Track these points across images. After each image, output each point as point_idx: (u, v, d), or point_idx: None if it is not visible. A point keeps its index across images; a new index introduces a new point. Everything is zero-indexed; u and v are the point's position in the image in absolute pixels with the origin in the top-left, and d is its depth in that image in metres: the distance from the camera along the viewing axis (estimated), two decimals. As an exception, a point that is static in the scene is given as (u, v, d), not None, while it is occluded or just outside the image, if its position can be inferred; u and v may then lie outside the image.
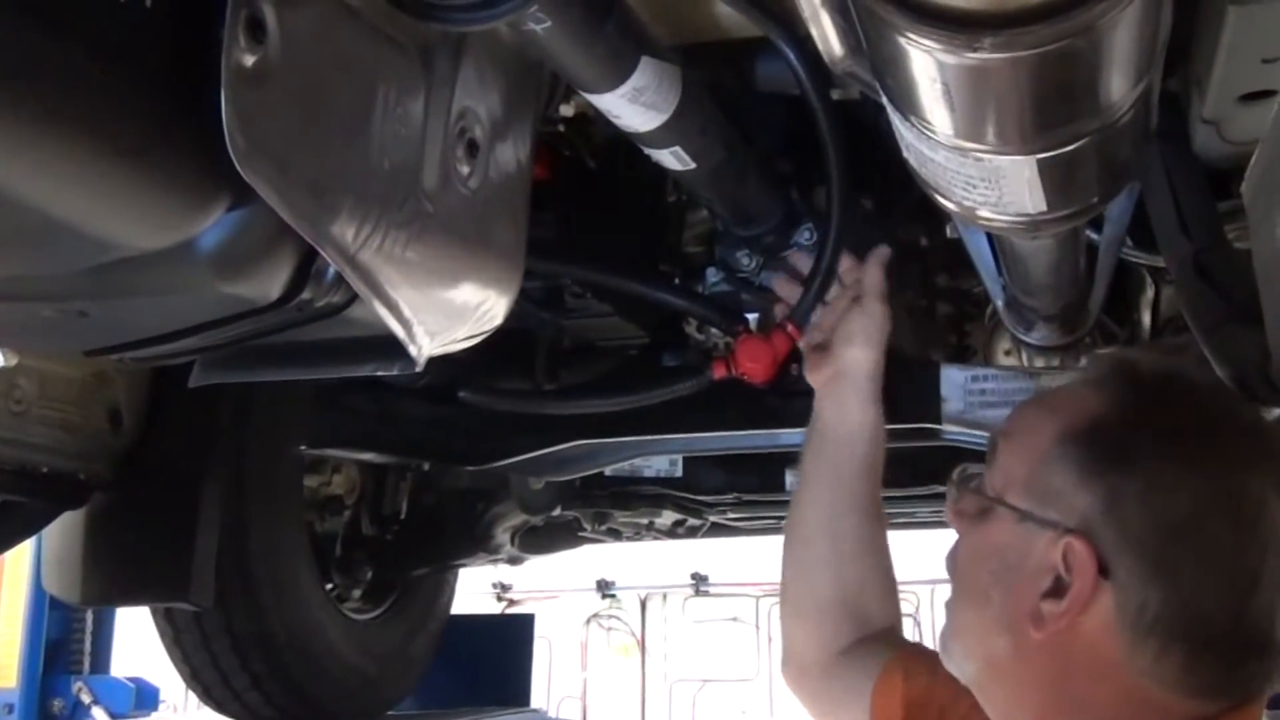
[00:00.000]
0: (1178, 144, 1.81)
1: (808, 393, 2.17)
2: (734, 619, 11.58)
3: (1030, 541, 1.35)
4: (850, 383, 2.06)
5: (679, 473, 4.07)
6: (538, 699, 6.63)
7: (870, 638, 1.94)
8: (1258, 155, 1.45)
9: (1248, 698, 1.35)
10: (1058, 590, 1.32)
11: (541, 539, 4.47)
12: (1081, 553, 1.30)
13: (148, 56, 1.06)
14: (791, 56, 1.93)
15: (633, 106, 1.70)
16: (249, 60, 1.06)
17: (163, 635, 3.34)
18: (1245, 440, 1.36)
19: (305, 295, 1.33)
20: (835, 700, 1.94)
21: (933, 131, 1.35)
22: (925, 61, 1.17)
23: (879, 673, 1.81)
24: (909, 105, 1.33)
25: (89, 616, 6.35)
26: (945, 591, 1.50)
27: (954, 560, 1.48)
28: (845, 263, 2.13)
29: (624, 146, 1.94)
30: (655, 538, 4.85)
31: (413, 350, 1.42)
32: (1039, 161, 1.36)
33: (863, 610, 1.96)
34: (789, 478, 3.97)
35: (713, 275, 2.51)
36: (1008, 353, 3.02)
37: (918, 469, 3.29)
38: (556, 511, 4.09)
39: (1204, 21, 1.56)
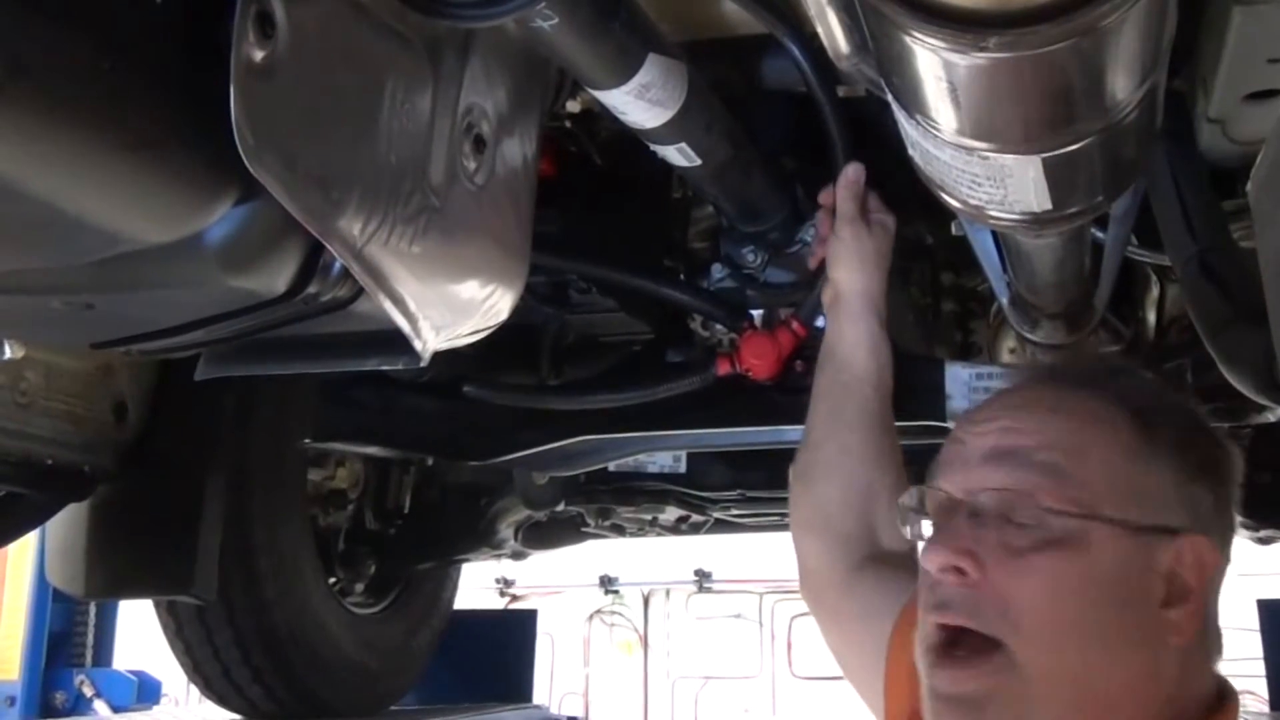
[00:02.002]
0: (1183, 143, 1.81)
1: (811, 390, 2.17)
2: (737, 616, 11.57)
3: (1147, 552, 1.27)
4: (843, 303, 2.06)
5: (683, 468, 4.08)
6: (540, 695, 6.63)
7: (888, 559, 1.85)
8: (1263, 154, 1.45)
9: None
10: (1176, 595, 1.27)
11: (545, 534, 4.47)
12: (1206, 550, 1.28)
13: (157, 51, 1.07)
14: (797, 54, 1.94)
15: (639, 103, 1.71)
16: (258, 55, 1.07)
17: (165, 628, 3.35)
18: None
19: (311, 289, 1.34)
20: (851, 625, 1.87)
21: (938, 129, 1.35)
22: (931, 60, 1.18)
23: (898, 617, 1.68)
24: (915, 103, 1.33)
25: (92, 609, 6.36)
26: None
27: (995, 607, 1.26)
28: (824, 195, 2.12)
29: (630, 143, 1.94)
30: (659, 534, 4.85)
31: (418, 345, 1.43)
32: (1044, 160, 1.37)
33: (871, 519, 1.91)
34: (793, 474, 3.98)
35: (718, 271, 2.51)
36: (1012, 351, 3.02)
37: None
38: (560, 507, 4.09)
39: (1209, 21, 1.57)
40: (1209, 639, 1.31)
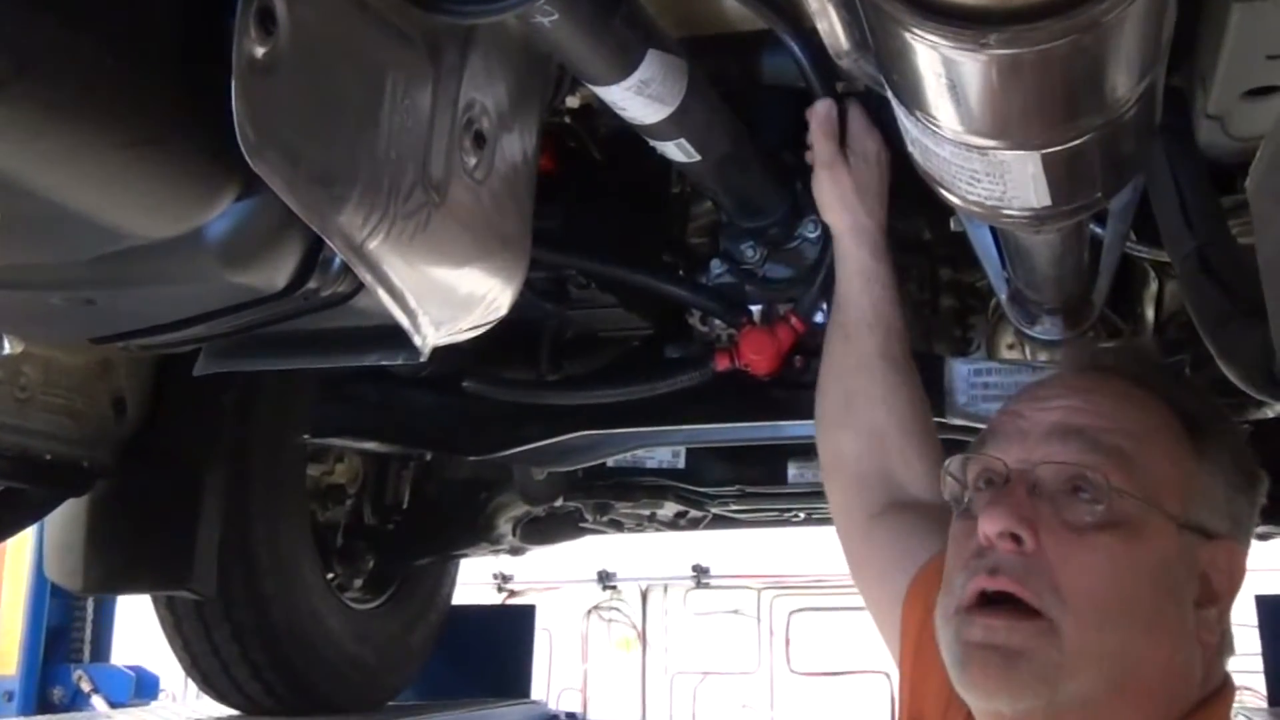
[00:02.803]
0: (1182, 139, 1.82)
1: (811, 385, 2.17)
2: (735, 611, 11.57)
3: (1191, 550, 1.29)
4: (835, 244, 2.06)
5: (681, 464, 4.09)
6: (538, 690, 6.63)
7: (909, 507, 1.83)
8: (1262, 150, 1.46)
9: None
10: (1208, 596, 1.30)
11: (543, 530, 4.48)
12: (1238, 557, 1.31)
13: (159, 48, 1.07)
14: (797, 50, 1.94)
15: (639, 99, 1.71)
16: (259, 51, 1.07)
17: (163, 623, 3.35)
18: None
19: (311, 284, 1.34)
20: (870, 574, 1.87)
21: (938, 126, 1.35)
22: (931, 57, 1.18)
23: (917, 572, 1.68)
24: (914, 100, 1.34)
25: (90, 604, 6.37)
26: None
27: (1048, 577, 1.27)
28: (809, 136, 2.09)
29: (629, 138, 1.94)
30: (657, 529, 4.86)
31: (418, 340, 1.43)
32: (1044, 156, 1.37)
33: (885, 461, 1.90)
34: (792, 470, 3.98)
35: (717, 267, 2.51)
36: (1011, 346, 3.02)
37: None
38: (558, 502, 4.10)
39: (1208, 17, 1.57)
40: (1227, 640, 1.34)
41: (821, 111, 2.02)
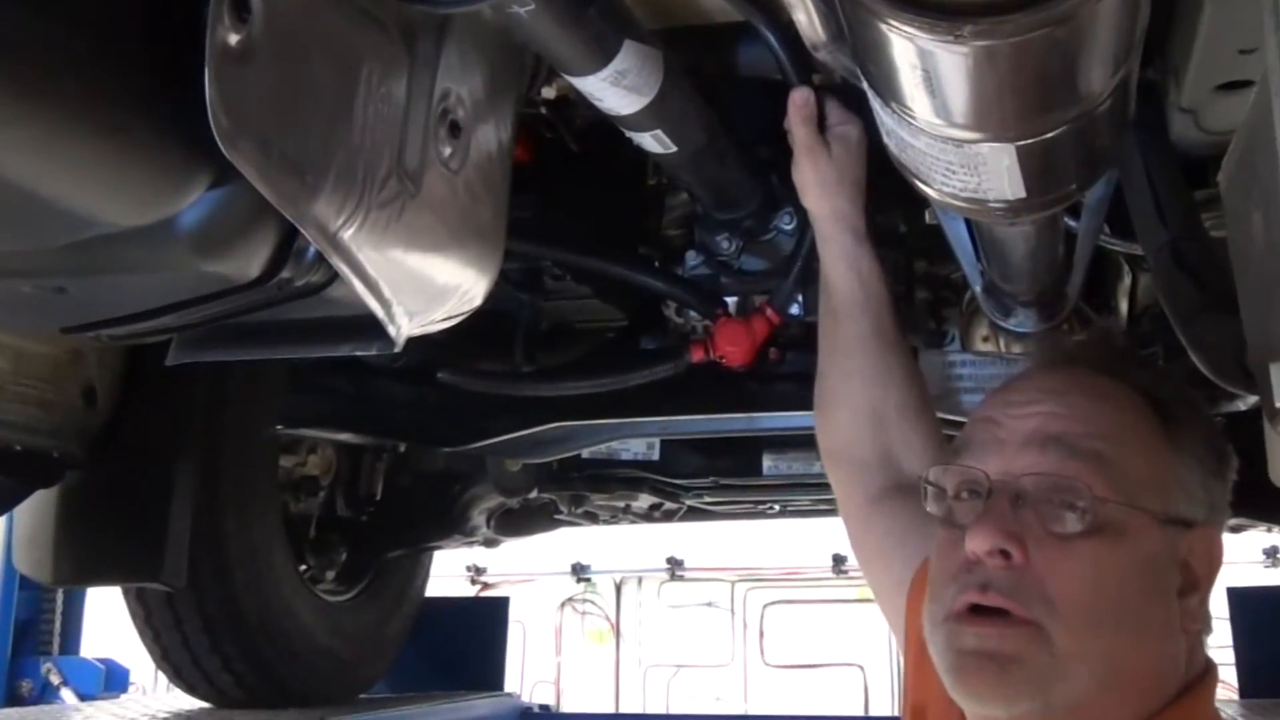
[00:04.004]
0: (1155, 133, 1.83)
1: (786, 376, 2.18)
2: (709, 604, 11.59)
3: (1172, 544, 1.31)
4: (817, 230, 2.05)
5: (656, 456, 4.09)
6: (511, 683, 6.63)
7: (907, 490, 1.81)
8: (1234, 144, 1.47)
9: None
10: (1188, 585, 1.31)
11: (517, 522, 4.48)
12: (1215, 542, 1.33)
13: (132, 35, 1.07)
14: (773, 42, 1.94)
15: (615, 90, 1.71)
16: (233, 39, 1.07)
17: (134, 616, 3.34)
18: None
19: (285, 274, 1.34)
20: (869, 557, 1.89)
21: (913, 117, 1.36)
22: (906, 48, 1.19)
23: (922, 560, 1.65)
24: (890, 91, 1.34)
25: (59, 596, 6.33)
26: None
27: (1038, 588, 1.28)
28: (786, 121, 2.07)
29: (605, 129, 1.95)
30: (631, 521, 4.87)
31: (392, 331, 1.43)
32: (1018, 148, 1.38)
33: (884, 442, 1.91)
34: (767, 462, 4.00)
35: (692, 259, 2.52)
36: (985, 339, 3.03)
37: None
38: (533, 494, 4.10)
39: (1181, 11, 1.58)
40: (1206, 622, 1.36)
41: (800, 97, 2.01)
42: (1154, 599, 1.30)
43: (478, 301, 1.62)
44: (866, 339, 1.97)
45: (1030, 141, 1.36)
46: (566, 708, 9.30)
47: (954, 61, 1.19)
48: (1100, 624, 1.27)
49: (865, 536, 1.90)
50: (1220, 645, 4.97)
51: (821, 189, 2.02)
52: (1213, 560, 1.32)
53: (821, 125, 2.02)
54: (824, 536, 9.09)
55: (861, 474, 1.91)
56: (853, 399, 1.96)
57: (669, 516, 4.84)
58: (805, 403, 2.13)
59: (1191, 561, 1.31)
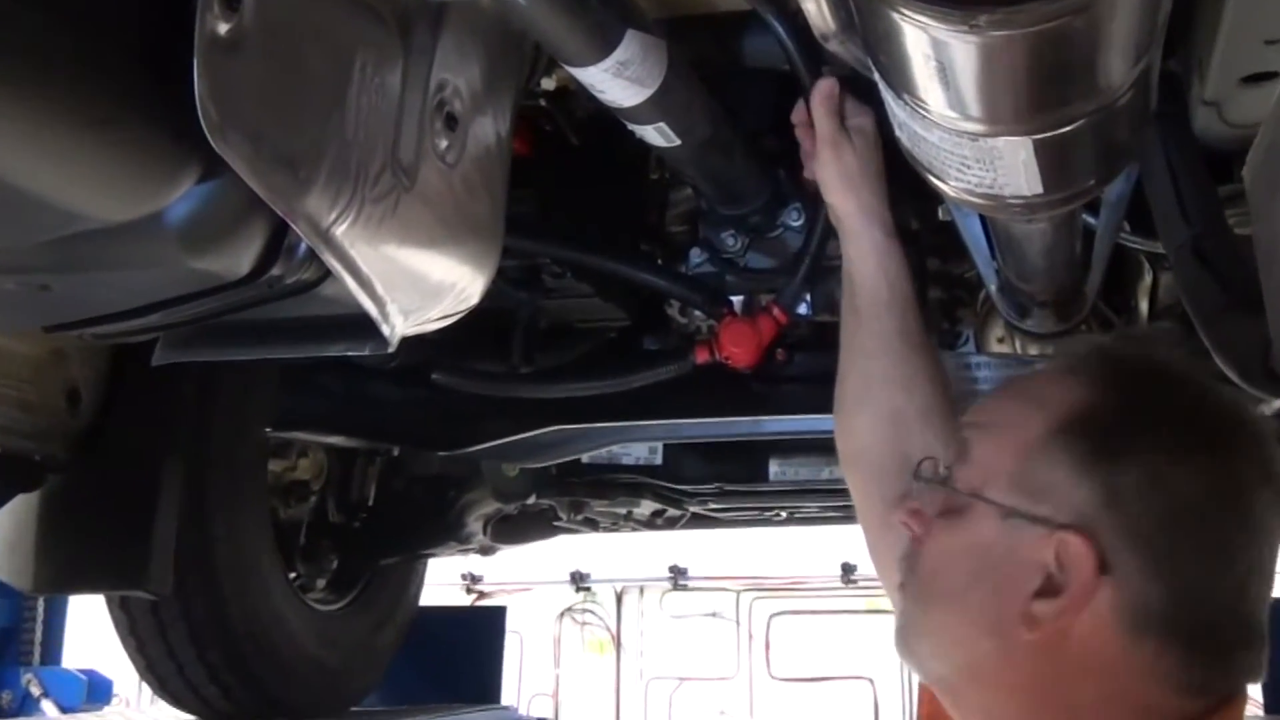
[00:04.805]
0: (1177, 126, 1.83)
1: (793, 378, 2.18)
2: (713, 614, 11.59)
3: (1017, 539, 1.33)
4: (842, 226, 2.03)
5: (659, 461, 4.09)
6: (508, 696, 6.64)
7: None
8: (1259, 138, 1.47)
9: (1235, 691, 1.36)
10: (1051, 589, 1.31)
11: (515, 528, 4.48)
12: (1079, 549, 1.29)
13: (119, 24, 1.07)
14: (781, 31, 1.94)
15: (617, 81, 1.71)
16: (223, 28, 1.07)
17: (117, 625, 3.34)
18: (1234, 427, 1.37)
19: (275, 271, 1.34)
20: (886, 563, 1.87)
21: (926, 110, 1.36)
22: (919, 38, 1.19)
23: None
24: (902, 83, 1.35)
25: (40, 605, 6.34)
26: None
27: (915, 560, 1.44)
28: (797, 112, 2.06)
29: (607, 122, 1.95)
30: (633, 528, 4.87)
31: (385, 330, 1.43)
32: (1035, 142, 1.38)
33: (905, 446, 1.89)
34: (773, 467, 4.00)
35: (696, 256, 2.52)
36: (1000, 340, 3.03)
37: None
38: (531, 500, 4.11)
39: (1205, 1, 1.58)
40: (1165, 663, 1.30)
41: (825, 88, 2.01)
42: (985, 590, 1.35)
43: (474, 300, 1.62)
44: (891, 339, 1.96)
45: (1048, 135, 1.36)
46: (565, 721, 9.31)
47: (969, 52, 1.19)
48: (931, 600, 1.42)
49: (883, 543, 1.90)
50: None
51: (847, 184, 2.01)
52: (1078, 569, 1.29)
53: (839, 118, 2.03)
54: (832, 544, 9.11)
55: (881, 479, 1.91)
56: (874, 403, 1.95)
57: (672, 523, 4.84)
58: (813, 405, 2.14)
59: (1055, 565, 1.31)
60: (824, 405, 2.01)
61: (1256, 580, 1.32)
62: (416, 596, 4.49)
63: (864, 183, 2.01)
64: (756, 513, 4.86)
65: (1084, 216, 2.11)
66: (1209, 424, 1.36)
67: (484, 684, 5.65)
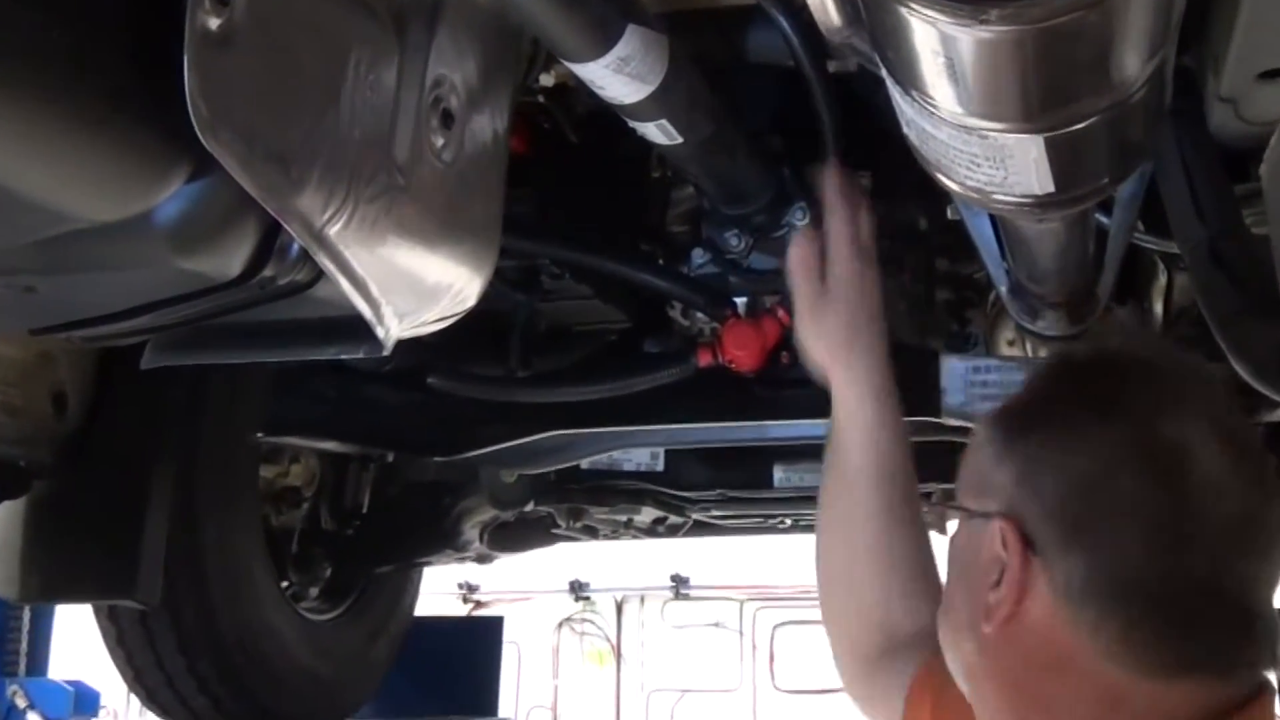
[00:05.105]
0: (1193, 123, 1.83)
1: (798, 382, 2.18)
2: (716, 625, 11.61)
3: (978, 538, 1.38)
4: (832, 391, 1.97)
5: (660, 467, 4.09)
6: (506, 708, 6.65)
7: (904, 644, 1.88)
8: (1277, 135, 1.47)
9: (1256, 690, 1.33)
10: (1001, 579, 1.35)
11: (512, 536, 4.47)
12: (1008, 533, 1.33)
13: (107, 18, 1.07)
14: (785, 26, 1.95)
15: (617, 77, 1.71)
16: (213, 23, 1.07)
17: (105, 635, 3.34)
18: (1161, 390, 1.36)
19: (268, 272, 1.34)
20: (878, 705, 1.91)
21: (935, 107, 1.36)
22: (928, 33, 1.19)
23: (909, 686, 1.77)
24: (910, 79, 1.34)
25: (26, 614, 6.34)
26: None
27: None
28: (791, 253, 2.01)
29: (607, 119, 1.95)
30: (634, 536, 4.86)
31: (380, 332, 1.43)
32: (1047, 140, 1.38)
33: (888, 618, 1.92)
34: (778, 473, 3.99)
35: (699, 256, 2.52)
36: (1011, 343, 3.04)
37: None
38: (529, 507, 4.10)
39: (1222, -6, 1.58)
40: (1106, 637, 1.30)
41: (798, 252, 1.97)
42: (962, 593, 1.44)
43: (471, 302, 1.62)
44: (880, 513, 1.93)
45: (1059, 132, 1.36)
46: (564, 734, 9.31)
47: (978, 47, 1.19)
48: (939, 615, 1.50)
49: (868, 689, 1.95)
50: None
51: (830, 351, 1.95)
52: (1011, 553, 1.33)
53: (825, 263, 1.96)
54: (839, 552, 9.09)
55: (863, 637, 1.94)
56: (860, 576, 1.95)
57: (674, 531, 4.84)
58: (819, 410, 2.13)
59: (1000, 552, 1.35)
60: (829, 409, 2.01)
61: (1208, 547, 1.29)
62: (412, 606, 4.50)
63: (851, 346, 1.94)
64: (760, 520, 4.86)
65: (1097, 216, 2.11)
66: (1131, 390, 1.36)
67: (481, 696, 5.66)
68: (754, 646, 11.37)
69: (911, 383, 2.39)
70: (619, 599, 11.91)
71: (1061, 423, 1.36)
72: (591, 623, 12.04)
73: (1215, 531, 1.28)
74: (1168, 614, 1.29)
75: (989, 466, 1.40)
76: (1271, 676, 1.34)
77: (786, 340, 2.39)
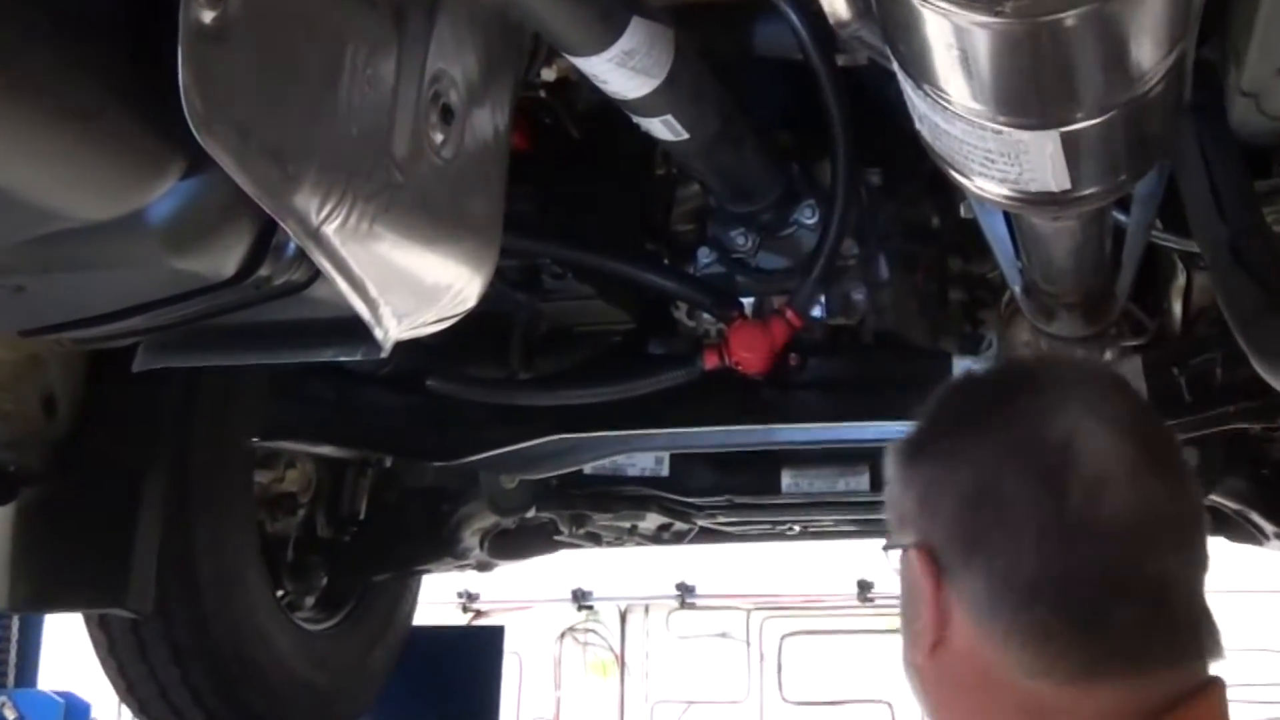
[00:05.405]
0: (1213, 118, 1.83)
1: (807, 385, 2.18)
2: (723, 634, 11.60)
3: (910, 570, 1.39)
4: None
5: (665, 472, 4.08)
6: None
7: None
8: (1300, 131, 1.47)
9: (1193, 690, 1.30)
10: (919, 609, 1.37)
11: (513, 543, 4.48)
12: (921, 560, 1.35)
13: (100, 11, 1.07)
14: (794, 19, 1.95)
15: (621, 71, 1.72)
16: (208, 16, 1.07)
17: (96, 645, 3.34)
18: (1044, 395, 1.36)
19: (263, 272, 1.34)
20: None
21: (948, 101, 1.36)
22: (941, 26, 1.19)
23: None
24: (923, 73, 1.35)
25: (15, 624, 6.35)
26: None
27: None
28: None
29: (610, 114, 1.95)
30: (638, 543, 4.86)
31: (378, 334, 1.44)
32: (1063, 135, 1.38)
33: None
34: (786, 479, 3.99)
35: (705, 255, 2.52)
36: (1026, 344, 3.03)
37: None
38: (530, 513, 4.10)
39: (1243, -15, 1.58)
40: (1019, 650, 1.30)
41: None
42: (903, 624, 1.42)
43: (471, 302, 1.63)
44: None
45: (1076, 128, 1.36)
46: (566, 747, 9.32)
47: (993, 40, 1.19)
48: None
49: None
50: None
51: None
52: (927, 579, 1.34)
53: None
54: (848, 560, 9.10)
55: None
56: None
57: (679, 538, 4.84)
58: (828, 413, 2.14)
59: (914, 581, 1.37)
60: (839, 413, 2.01)
61: (1103, 540, 1.28)
62: (410, 615, 4.50)
63: None
64: (768, 527, 4.86)
65: (1114, 214, 2.11)
66: (1010, 396, 1.38)
67: (481, 707, 5.65)
68: (761, 657, 11.35)
69: (922, 386, 2.39)
70: (623, 608, 11.90)
71: (948, 440, 1.39)
72: (595, 633, 12.04)
73: (1110, 528, 1.28)
74: (1071, 615, 1.29)
75: (898, 498, 1.41)
76: (1216, 671, 1.33)
77: (796, 342, 2.39)
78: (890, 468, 1.44)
